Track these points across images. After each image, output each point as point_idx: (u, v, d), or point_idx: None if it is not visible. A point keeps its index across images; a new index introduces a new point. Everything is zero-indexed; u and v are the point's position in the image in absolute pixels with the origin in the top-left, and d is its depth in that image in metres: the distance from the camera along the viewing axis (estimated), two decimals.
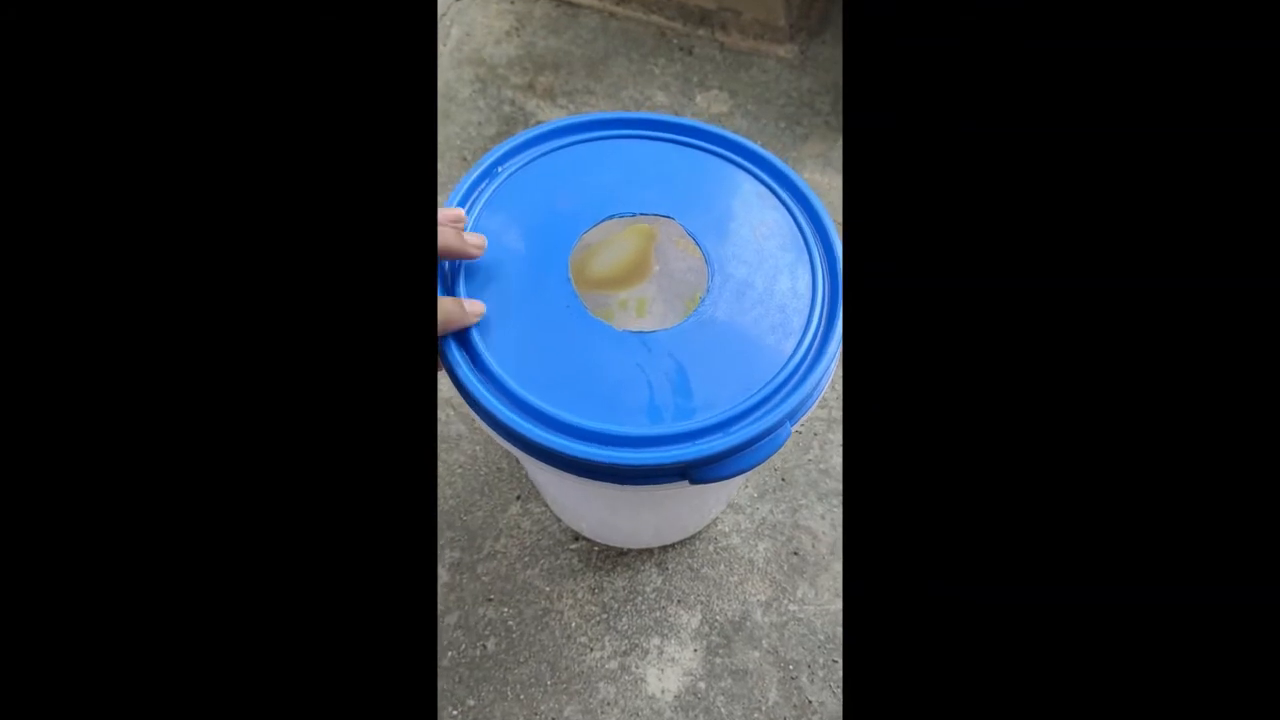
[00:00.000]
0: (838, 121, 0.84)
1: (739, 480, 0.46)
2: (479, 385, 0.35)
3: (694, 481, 0.34)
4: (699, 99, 0.87)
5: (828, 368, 0.37)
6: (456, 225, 0.38)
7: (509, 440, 0.35)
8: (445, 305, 0.35)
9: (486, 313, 0.37)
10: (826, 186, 0.79)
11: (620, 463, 0.33)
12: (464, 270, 0.38)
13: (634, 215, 0.41)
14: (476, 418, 0.36)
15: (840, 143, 0.82)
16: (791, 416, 0.35)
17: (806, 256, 0.40)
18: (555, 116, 0.85)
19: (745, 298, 0.39)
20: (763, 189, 0.43)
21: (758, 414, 0.35)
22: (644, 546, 0.60)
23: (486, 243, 0.38)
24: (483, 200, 0.40)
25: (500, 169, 0.42)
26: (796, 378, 0.36)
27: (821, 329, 0.38)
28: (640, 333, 0.37)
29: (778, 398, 0.36)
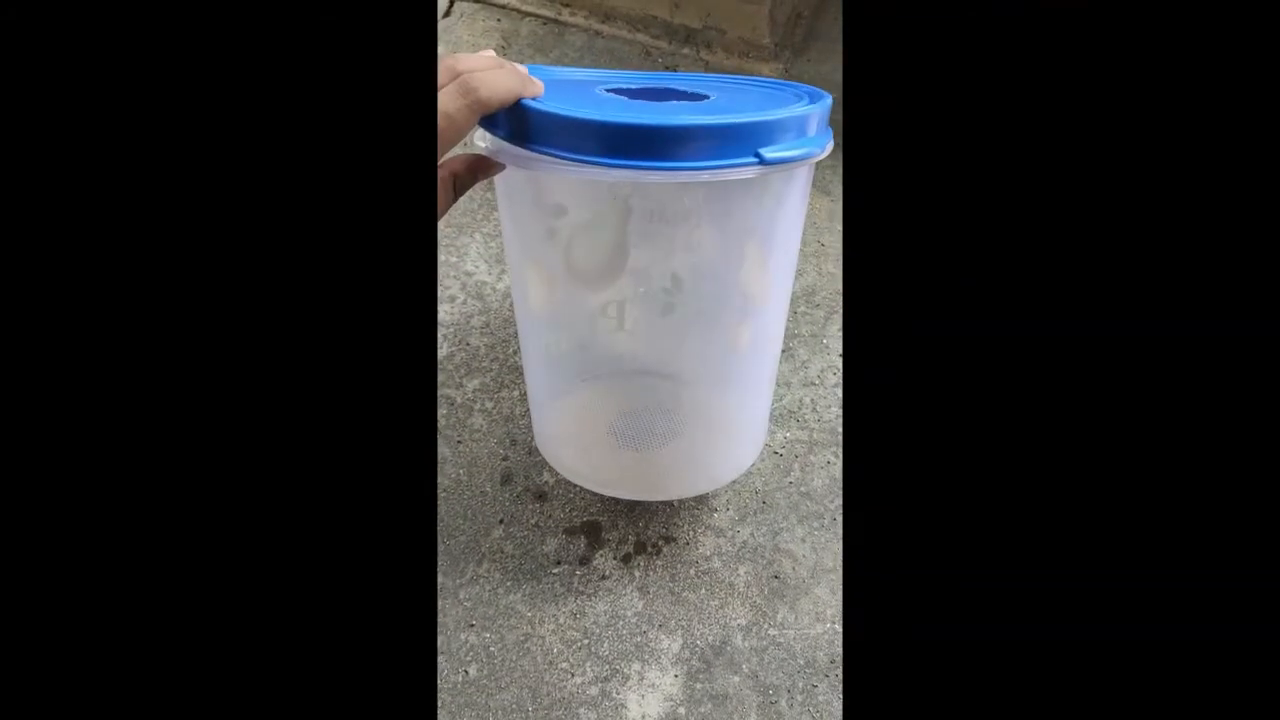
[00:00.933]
0: None
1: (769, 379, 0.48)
2: (543, 108, 0.35)
3: (764, 162, 0.36)
4: None
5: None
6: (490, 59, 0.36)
7: (580, 132, 0.35)
8: (507, 74, 0.34)
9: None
10: (810, 207, 0.79)
11: (692, 125, 0.34)
12: None
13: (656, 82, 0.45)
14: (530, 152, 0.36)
15: (823, 163, 0.82)
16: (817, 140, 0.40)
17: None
18: None
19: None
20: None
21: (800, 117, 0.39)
22: (654, 498, 0.60)
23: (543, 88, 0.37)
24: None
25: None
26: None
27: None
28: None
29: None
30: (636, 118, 0.34)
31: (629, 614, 0.59)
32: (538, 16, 0.98)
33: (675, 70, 0.93)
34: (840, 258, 0.75)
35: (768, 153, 0.35)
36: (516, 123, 0.36)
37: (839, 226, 0.78)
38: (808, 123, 0.38)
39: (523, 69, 0.36)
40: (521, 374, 0.70)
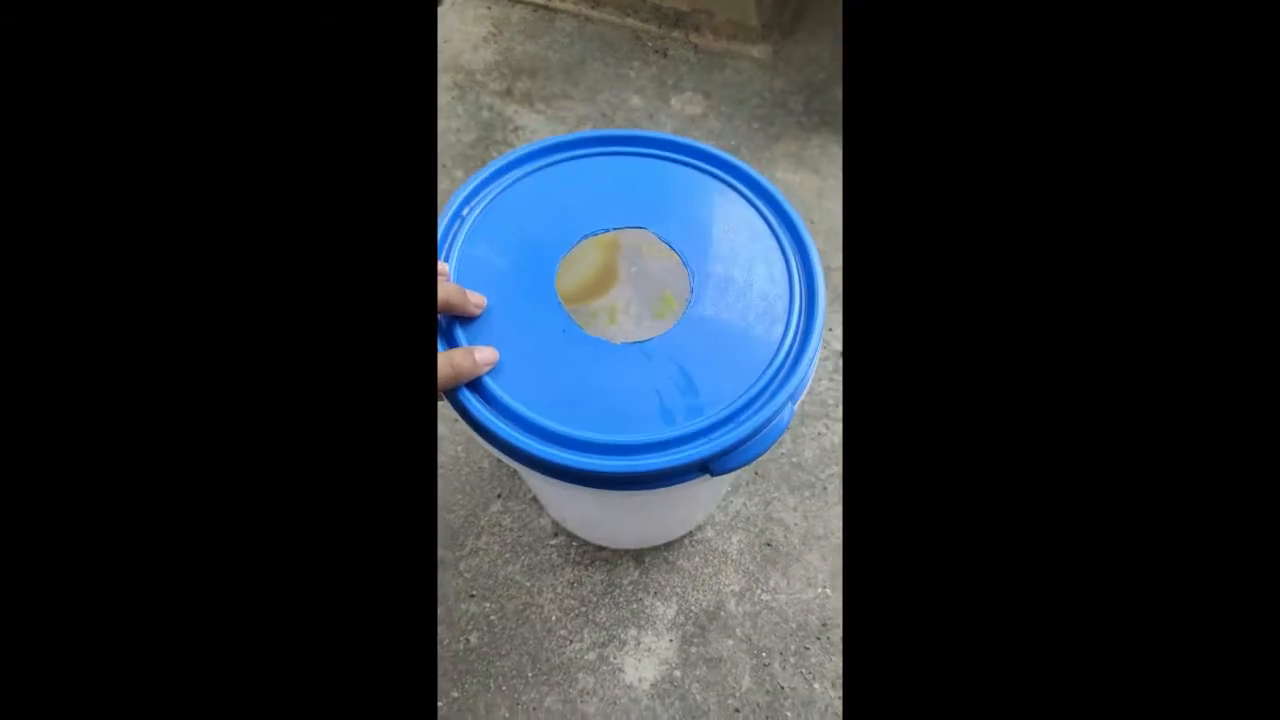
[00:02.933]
0: (809, 121, 0.85)
1: (729, 479, 0.48)
2: (495, 420, 0.36)
3: (714, 474, 0.36)
4: (674, 101, 0.88)
5: (816, 347, 0.39)
6: (443, 279, 0.39)
7: (533, 467, 0.36)
8: (455, 358, 0.36)
9: (489, 344, 0.38)
10: (798, 185, 0.81)
11: (642, 470, 0.35)
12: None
13: (609, 230, 0.43)
14: (495, 451, 0.37)
15: (810, 142, 0.84)
16: (792, 397, 0.37)
17: (776, 244, 0.43)
18: (533, 122, 0.87)
19: (728, 292, 0.41)
20: (725, 188, 0.45)
21: (762, 400, 0.37)
22: (626, 548, 0.62)
23: (486, 302, 0.39)
24: (460, 238, 0.42)
25: (467, 210, 0.44)
26: (790, 359, 0.38)
27: (804, 310, 0.40)
28: (639, 343, 0.39)
29: (777, 381, 0.38)
30: (586, 463, 0.35)
31: (625, 582, 0.60)
32: (528, 4, 0.99)
33: (665, 55, 0.93)
34: (827, 234, 0.76)
35: (715, 466, 0.36)
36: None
37: (827, 204, 0.79)
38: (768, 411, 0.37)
39: (476, 296, 0.38)
40: None
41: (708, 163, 0.46)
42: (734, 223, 0.43)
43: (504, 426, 0.36)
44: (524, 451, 0.35)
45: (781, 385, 0.37)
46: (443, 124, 0.86)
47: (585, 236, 0.42)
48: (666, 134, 0.47)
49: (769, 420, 0.36)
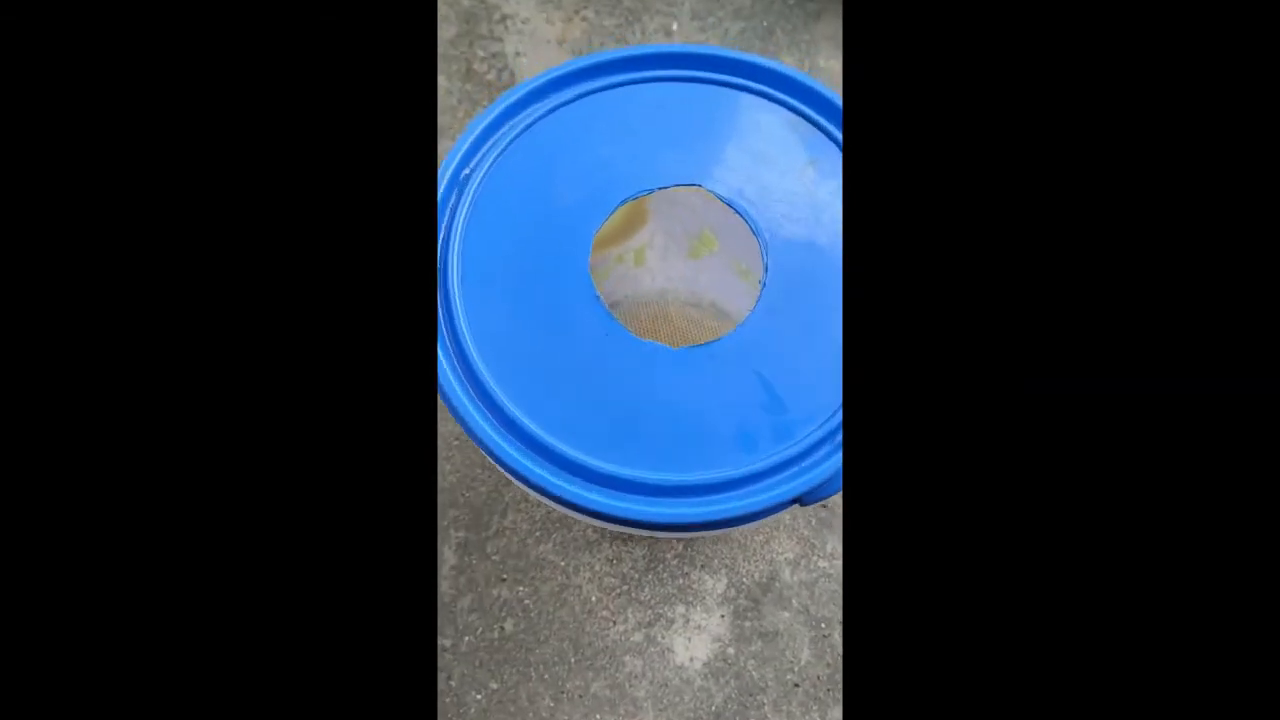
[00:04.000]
0: None
1: None
2: (525, 460, 0.28)
3: (806, 504, 0.29)
4: None
5: None
6: None
7: (583, 514, 0.29)
8: None
9: (512, 368, 0.30)
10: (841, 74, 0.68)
11: (720, 516, 0.28)
12: (465, 317, 0.30)
13: (652, 191, 0.33)
14: (532, 493, 0.30)
15: None
16: None
17: None
18: (524, 9, 0.72)
19: (811, 265, 0.32)
20: (793, 118, 0.35)
21: None
22: None
23: None
24: (463, 212, 0.32)
25: (468, 171, 0.33)
26: None
27: None
28: (704, 345, 0.30)
29: None
30: (647, 511, 0.28)
31: (669, 556, 0.55)
32: None
33: None
34: None
35: (810, 497, 0.29)
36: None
37: None
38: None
39: None
40: None
41: (767, 83, 0.35)
42: (812, 167, 0.34)
43: (533, 465, 0.28)
44: (565, 499, 0.28)
45: None
46: None
47: (622, 202, 0.33)
48: (709, 48, 0.36)
49: None
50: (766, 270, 0.31)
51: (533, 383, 0.29)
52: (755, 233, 0.32)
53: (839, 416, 0.29)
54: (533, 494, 0.30)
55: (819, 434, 0.29)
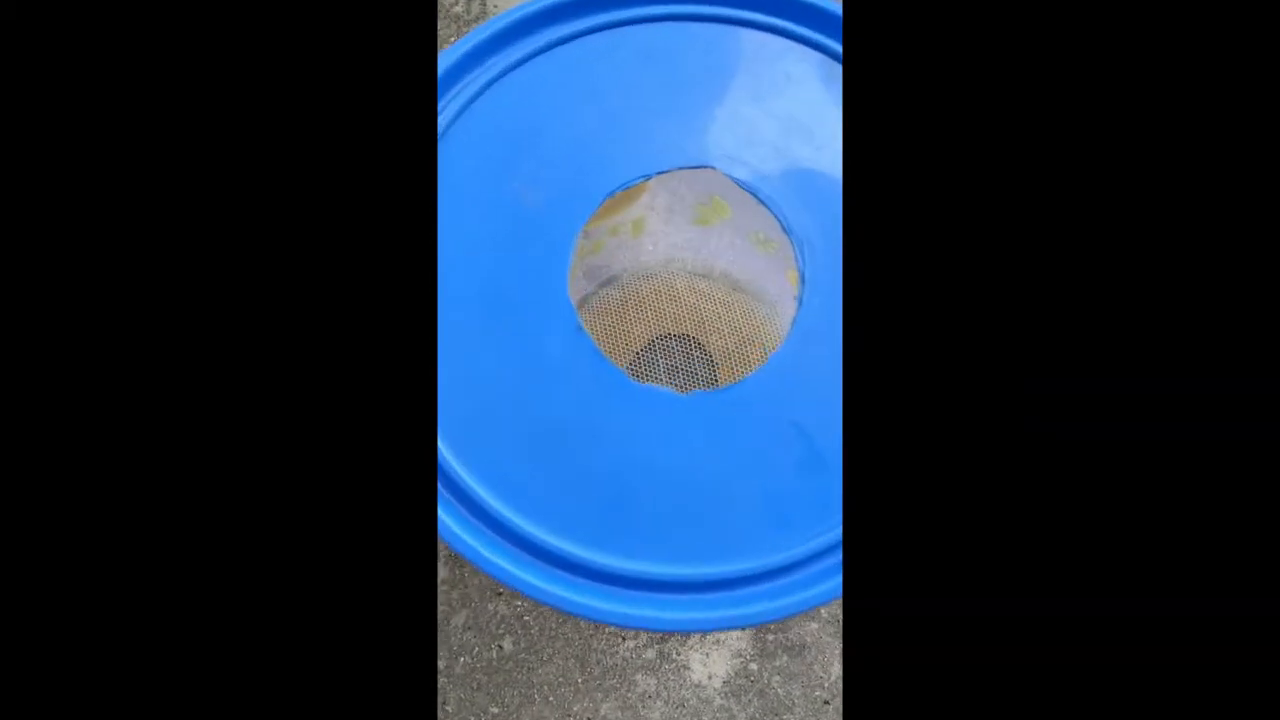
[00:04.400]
0: None
1: None
2: (501, 560, 0.23)
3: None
4: None
5: None
6: None
7: (580, 615, 0.23)
8: None
9: (472, 430, 0.24)
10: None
11: (757, 620, 0.22)
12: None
13: (653, 175, 0.25)
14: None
15: None
16: None
17: None
18: None
19: None
20: (831, 64, 0.26)
21: None
22: None
23: None
24: None
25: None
26: None
27: None
28: (725, 389, 0.23)
29: None
30: (659, 618, 0.23)
31: None
32: None
33: None
34: None
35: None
36: None
37: None
38: None
39: None
40: None
41: (801, 21, 0.27)
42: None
43: (508, 565, 0.22)
44: (552, 606, 0.22)
45: None
46: None
47: (609, 194, 0.25)
48: None
49: None
50: (803, 282, 0.24)
51: (498, 448, 0.22)
52: (786, 230, 0.24)
53: None
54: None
55: None
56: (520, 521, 0.22)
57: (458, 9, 0.59)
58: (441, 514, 0.22)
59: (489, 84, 0.26)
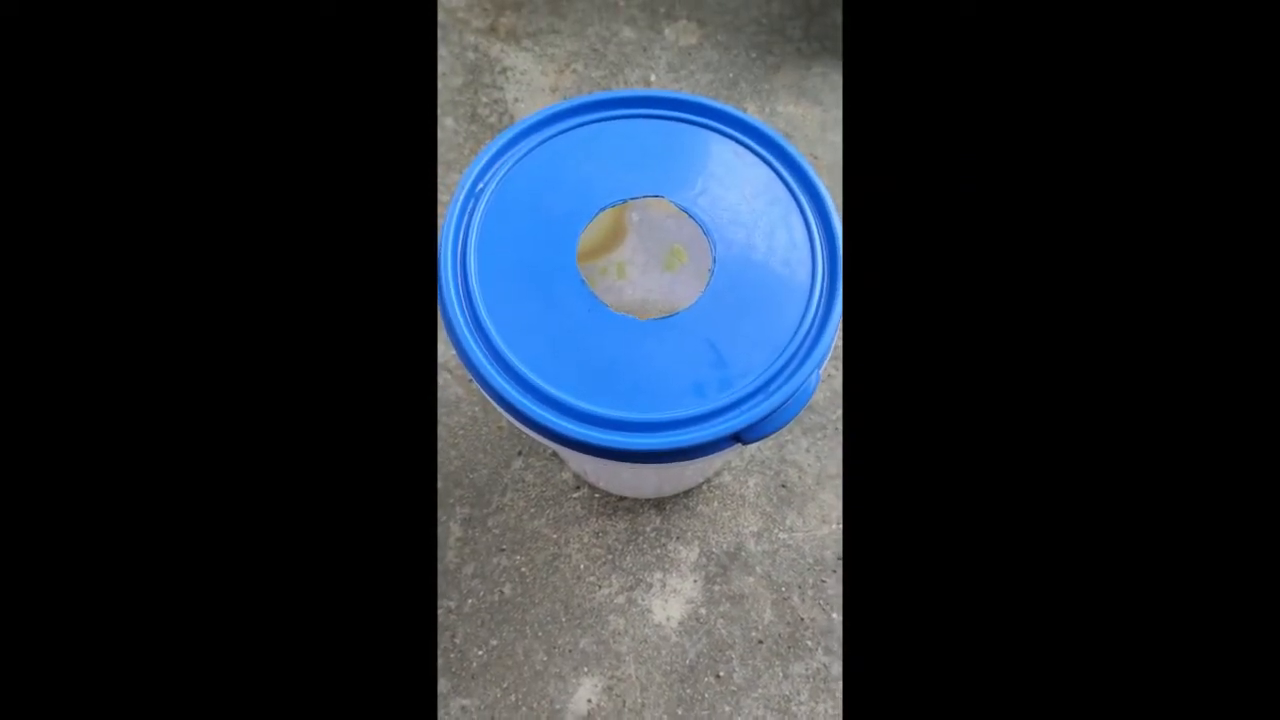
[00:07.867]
0: (809, 48, 0.82)
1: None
2: (526, 401, 0.37)
3: (746, 443, 0.37)
4: (667, 32, 0.85)
5: (839, 312, 0.40)
6: None
7: (569, 446, 0.37)
8: None
9: (518, 336, 0.38)
10: (801, 118, 0.79)
11: (677, 446, 0.36)
12: (482, 296, 0.39)
13: (624, 200, 0.42)
14: (528, 431, 0.38)
15: (811, 70, 0.81)
16: (819, 363, 0.38)
17: (795, 205, 0.42)
18: (522, 61, 0.83)
19: (751, 260, 0.41)
20: (738, 147, 0.44)
21: (791, 368, 0.38)
22: (646, 498, 0.64)
23: None
24: (477, 215, 0.41)
25: (480, 186, 0.42)
26: (816, 326, 0.39)
27: (826, 275, 0.40)
28: (667, 318, 0.39)
29: (804, 349, 0.38)
30: (621, 441, 0.36)
31: (648, 529, 0.62)
32: None
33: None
34: (831, 168, 0.75)
35: (748, 435, 0.37)
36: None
37: (830, 138, 0.77)
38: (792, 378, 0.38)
39: None
40: None
41: (720, 121, 0.45)
42: (751, 185, 0.43)
43: (536, 408, 0.37)
44: (558, 433, 0.36)
45: (809, 353, 0.38)
46: None
47: (601, 209, 0.42)
48: (675, 93, 0.46)
49: (798, 388, 0.37)
50: (715, 262, 0.40)
51: (533, 345, 0.38)
52: (706, 233, 0.41)
53: (769, 372, 0.37)
54: (530, 432, 0.38)
55: (753, 386, 0.37)
56: (542, 382, 0.37)
57: (491, 119, 0.79)
58: (501, 383, 0.37)
59: (527, 153, 0.44)
